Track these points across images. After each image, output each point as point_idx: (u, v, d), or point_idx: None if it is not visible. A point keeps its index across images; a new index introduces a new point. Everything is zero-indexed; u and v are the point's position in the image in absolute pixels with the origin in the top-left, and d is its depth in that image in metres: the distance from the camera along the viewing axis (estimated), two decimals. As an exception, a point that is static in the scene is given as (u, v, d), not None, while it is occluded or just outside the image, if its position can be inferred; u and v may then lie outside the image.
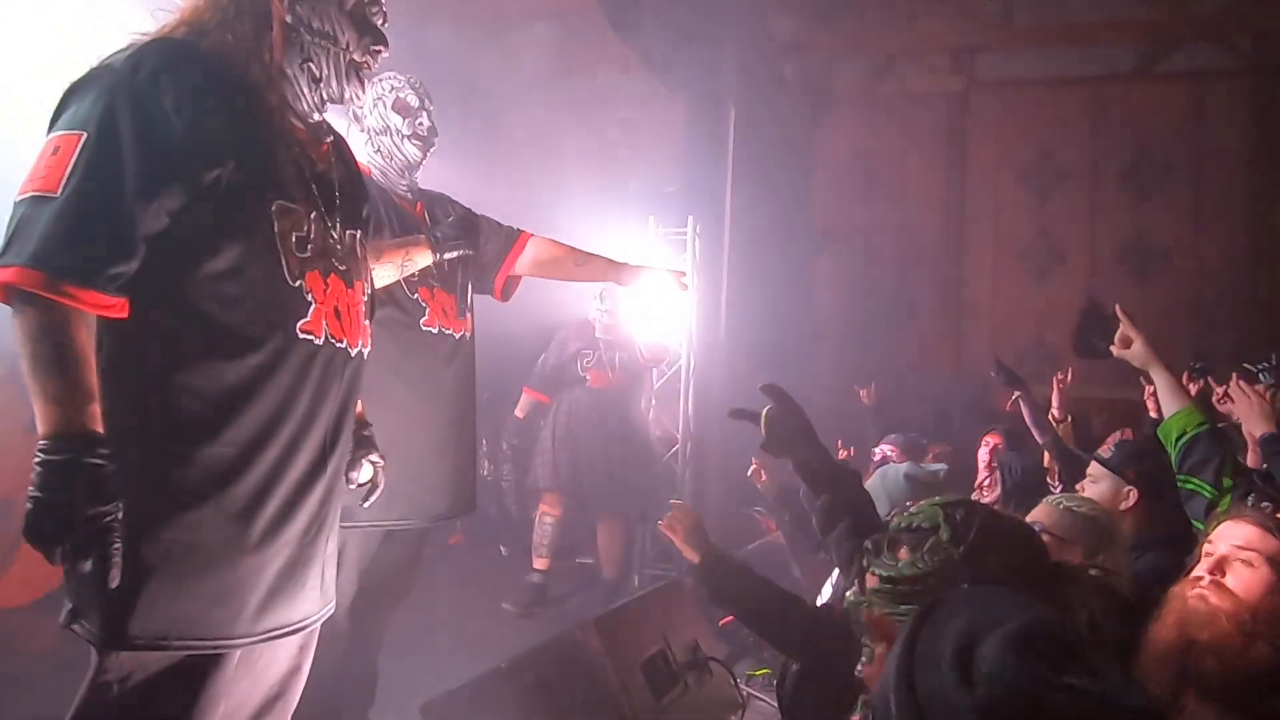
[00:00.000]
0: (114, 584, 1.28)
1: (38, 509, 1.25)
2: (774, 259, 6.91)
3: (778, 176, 7.22)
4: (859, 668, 1.44)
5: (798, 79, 8.17)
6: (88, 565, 1.27)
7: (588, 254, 2.62)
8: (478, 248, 2.43)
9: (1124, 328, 2.19)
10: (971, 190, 7.95)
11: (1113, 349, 2.19)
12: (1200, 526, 1.94)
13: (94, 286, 1.30)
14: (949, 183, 7.98)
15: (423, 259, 2.31)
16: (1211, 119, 7.37)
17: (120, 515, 1.29)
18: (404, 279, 2.32)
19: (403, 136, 2.45)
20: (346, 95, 1.62)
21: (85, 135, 1.32)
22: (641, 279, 2.57)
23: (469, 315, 2.52)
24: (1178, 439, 2.09)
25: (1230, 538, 1.59)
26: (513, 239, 2.59)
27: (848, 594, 1.52)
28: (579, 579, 5.23)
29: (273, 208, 1.46)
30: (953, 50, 7.93)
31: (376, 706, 2.70)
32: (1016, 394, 3.99)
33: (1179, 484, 2.10)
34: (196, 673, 1.43)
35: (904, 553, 1.43)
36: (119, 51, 1.39)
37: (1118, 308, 2.21)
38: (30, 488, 1.26)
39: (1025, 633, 0.82)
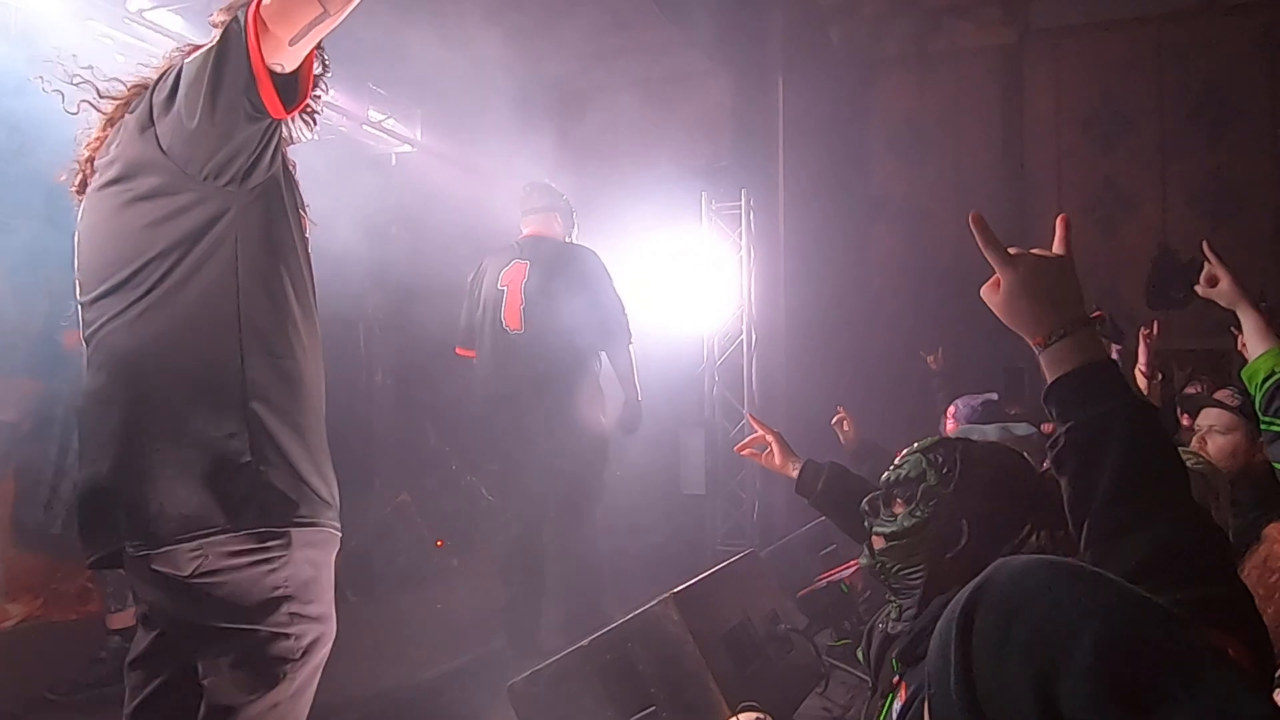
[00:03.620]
0: None
1: None
2: (829, 228, 6.83)
3: (829, 144, 7.12)
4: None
5: (845, 43, 8.02)
6: None
7: None
8: None
9: (1210, 266, 2.11)
10: (1030, 143, 7.73)
11: (1197, 288, 2.12)
12: None
13: None
14: (1006, 138, 7.76)
15: None
16: (1284, 50, 7.03)
17: None
18: None
19: None
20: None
21: None
22: None
23: None
24: (1264, 380, 2.01)
25: None
26: None
27: (861, 559, 1.54)
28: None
29: None
30: (1003, 1, 7.70)
31: (466, 687, 2.78)
32: (1117, 350, 3.86)
33: (1263, 427, 2.02)
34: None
35: (899, 506, 1.47)
36: None
37: (1205, 244, 2.13)
38: None
39: (1105, 663, 0.71)
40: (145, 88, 1.73)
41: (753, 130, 5.95)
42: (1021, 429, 3.01)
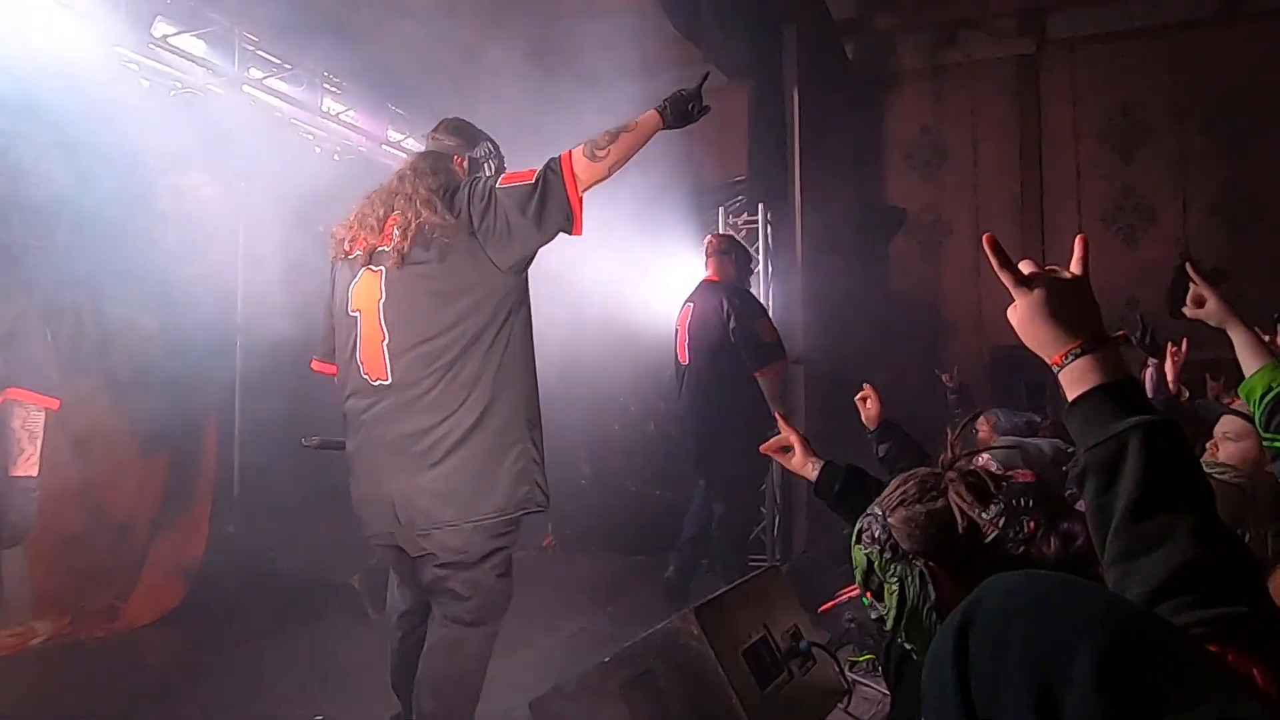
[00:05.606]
0: None
1: None
2: (847, 241, 6.82)
3: (846, 158, 7.12)
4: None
5: (860, 57, 8.04)
6: None
7: None
8: None
9: (1195, 286, 2.10)
10: (1049, 155, 7.70)
11: (1185, 310, 2.11)
12: None
13: None
14: (1024, 149, 7.74)
15: None
16: (1304, 58, 6.98)
17: None
18: None
19: None
20: None
21: None
22: None
23: None
24: (1262, 396, 2.00)
25: None
26: None
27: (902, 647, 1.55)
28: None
29: None
30: (1019, 12, 7.69)
31: (490, 700, 2.77)
32: (1152, 363, 3.81)
33: (1265, 443, 2.00)
34: None
35: (876, 599, 1.52)
36: None
37: (1188, 265, 2.13)
38: None
39: (1106, 679, 0.71)
40: (402, 194, 2.49)
41: (769, 145, 5.97)
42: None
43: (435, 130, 2.76)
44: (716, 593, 2.71)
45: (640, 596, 4.70)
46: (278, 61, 4.87)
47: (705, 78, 2.62)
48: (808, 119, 5.97)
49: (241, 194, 4.67)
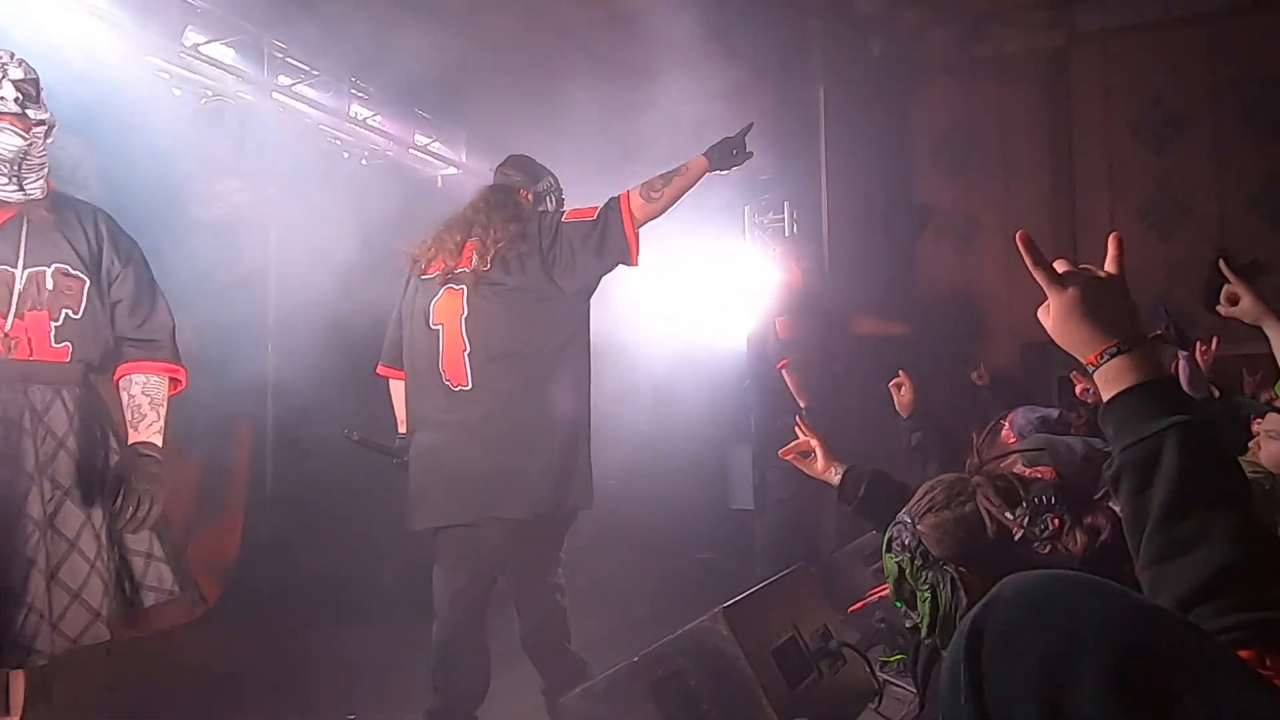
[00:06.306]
0: None
1: None
2: (875, 239, 6.78)
3: (873, 154, 7.07)
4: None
5: (886, 52, 7.96)
6: None
7: None
8: None
9: (1230, 285, 2.06)
10: (1080, 149, 7.59)
11: (1219, 309, 2.07)
12: None
13: None
14: (1054, 143, 7.63)
15: None
16: (1344, 45, 6.82)
17: None
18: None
19: None
20: None
21: None
22: None
23: None
24: None
25: None
26: None
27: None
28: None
29: None
30: (1048, 4, 7.59)
31: (515, 705, 2.80)
32: (1183, 356, 3.75)
33: None
34: None
35: (909, 608, 1.53)
36: None
37: (1221, 262, 2.09)
38: None
39: (1117, 678, 0.69)
40: (478, 223, 2.89)
41: (795, 143, 5.95)
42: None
43: (503, 166, 3.17)
44: (746, 593, 2.70)
45: (666, 597, 4.70)
46: (305, 68, 4.93)
47: (749, 128, 2.98)
48: (834, 116, 5.95)
49: (272, 200, 4.73)
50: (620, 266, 2.89)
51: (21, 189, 2.23)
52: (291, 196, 4.64)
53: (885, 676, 3.02)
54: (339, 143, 5.26)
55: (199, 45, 4.35)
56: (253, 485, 4.63)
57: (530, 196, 3.08)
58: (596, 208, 2.86)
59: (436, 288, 2.90)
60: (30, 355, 2.22)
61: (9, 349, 2.19)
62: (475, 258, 2.84)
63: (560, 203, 3.15)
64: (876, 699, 2.77)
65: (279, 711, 3.34)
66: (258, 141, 4.51)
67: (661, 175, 2.87)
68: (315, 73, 4.97)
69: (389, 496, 3.19)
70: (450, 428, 2.84)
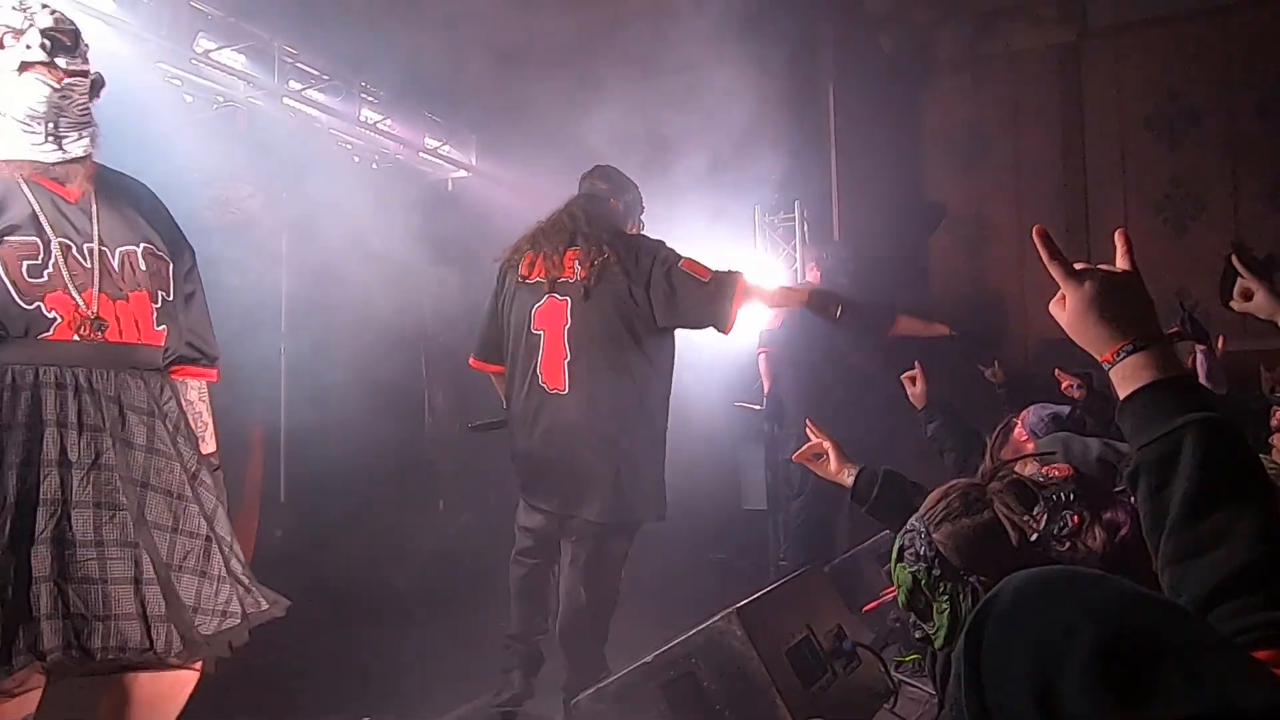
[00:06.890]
0: None
1: None
2: (886, 239, 6.74)
3: (884, 153, 7.04)
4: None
5: (896, 50, 7.93)
6: None
7: None
8: None
9: (1243, 279, 2.03)
10: (1093, 144, 7.53)
11: (1233, 304, 2.04)
12: None
13: None
14: (1067, 139, 7.57)
15: None
16: (1361, 35, 6.75)
17: None
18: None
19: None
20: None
21: None
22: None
23: None
24: None
25: None
26: None
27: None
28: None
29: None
30: (1059, -1, 7.54)
31: (528, 704, 2.80)
32: (1200, 350, 3.72)
33: None
34: None
35: (927, 617, 1.53)
36: None
37: (1233, 257, 2.06)
38: None
39: (1104, 660, 0.70)
40: (580, 233, 3.09)
41: (805, 142, 5.93)
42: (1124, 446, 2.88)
43: (590, 175, 3.33)
44: (759, 593, 2.69)
45: (678, 598, 4.68)
46: (315, 73, 4.95)
47: (845, 307, 3.39)
48: (844, 115, 5.93)
49: (284, 204, 4.75)
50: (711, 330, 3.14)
51: (60, 147, 1.98)
52: (303, 201, 4.66)
53: (900, 676, 3.00)
54: (349, 146, 5.28)
55: (210, 51, 4.38)
56: (266, 490, 4.65)
57: (620, 205, 3.24)
58: (712, 270, 3.08)
59: (539, 294, 3.07)
60: (139, 339, 2.01)
61: (100, 332, 1.93)
62: (578, 266, 3.04)
63: (641, 209, 3.34)
64: (892, 699, 2.75)
65: (293, 713, 3.34)
66: (269, 146, 4.53)
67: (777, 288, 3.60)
68: (325, 77, 5.00)
69: (402, 502, 3.22)
70: (541, 426, 3.08)
